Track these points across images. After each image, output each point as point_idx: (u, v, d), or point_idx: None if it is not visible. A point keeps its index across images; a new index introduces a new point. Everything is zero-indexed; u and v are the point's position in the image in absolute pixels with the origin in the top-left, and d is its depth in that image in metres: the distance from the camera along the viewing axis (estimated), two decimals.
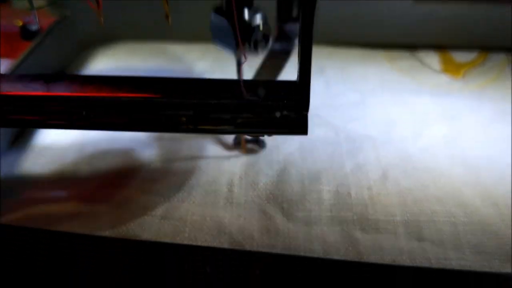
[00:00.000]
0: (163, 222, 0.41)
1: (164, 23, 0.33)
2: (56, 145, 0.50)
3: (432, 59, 0.64)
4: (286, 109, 0.35)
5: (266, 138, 0.49)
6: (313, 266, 0.33)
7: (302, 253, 0.39)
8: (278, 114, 0.35)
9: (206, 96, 0.36)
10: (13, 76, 0.40)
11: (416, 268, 0.36)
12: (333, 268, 0.33)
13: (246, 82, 0.38)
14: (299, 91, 0.36)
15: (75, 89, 0.37)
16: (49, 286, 0.34)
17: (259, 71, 0.47)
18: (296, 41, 0.42)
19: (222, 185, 0.45)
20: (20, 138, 0.51)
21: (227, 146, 0.50)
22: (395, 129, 0.52)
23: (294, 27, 0.50)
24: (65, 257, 0.35)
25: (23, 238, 0.35)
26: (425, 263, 0.39)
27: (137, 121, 0.37)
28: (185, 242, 0.40)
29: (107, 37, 0.66)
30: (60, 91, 0.37)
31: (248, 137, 0.48)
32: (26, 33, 0.51)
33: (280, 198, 0.44)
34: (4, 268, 0.33)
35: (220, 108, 0.36)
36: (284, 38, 0.49)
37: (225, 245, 0.40)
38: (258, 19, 0.38)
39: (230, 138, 0.50)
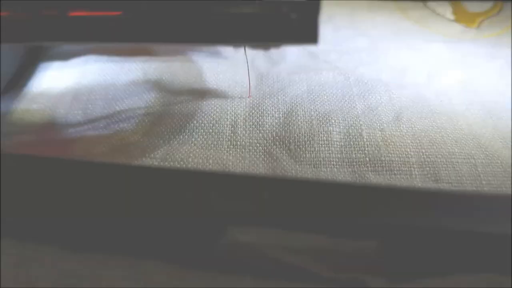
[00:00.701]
0: (163, 164, 0.38)
1: None
2: (50, 91, 0.47)
3: (446, 9, 0.61)
4: (294, 11, 0.32)
5: (272, 79, 0.46)
6: (321, 190, 0.30)
7: None
8: (285, 9, 0.32)
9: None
10: None
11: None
12: (343, 191, 0.30)
13: None
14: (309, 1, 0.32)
15: None
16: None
17: None
18: None
19: (225, 126, 0.42)
20: (13, 85, 0.48)
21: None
22: (408, 74, 0.49)
23: None
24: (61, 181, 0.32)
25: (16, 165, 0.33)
26: None
27: None
28: None
29: None
30: None
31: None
32: None
33: (287, 139, 0.41)
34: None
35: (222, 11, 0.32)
36: None
37: None
38: None
39: (233, 80, 0.47)
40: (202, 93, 0.45)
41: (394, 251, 0.29)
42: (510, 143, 0.41)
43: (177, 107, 0.44)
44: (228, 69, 0.49)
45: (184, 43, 0.40)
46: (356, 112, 0.43)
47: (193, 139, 0.41)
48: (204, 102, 0.44)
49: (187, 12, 0.34)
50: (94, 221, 0.30)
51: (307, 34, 0.34)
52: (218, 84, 0.47)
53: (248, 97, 0.44)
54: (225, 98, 0.45)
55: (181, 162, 0.39)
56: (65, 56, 0.51)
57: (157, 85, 0.47)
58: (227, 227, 0.29)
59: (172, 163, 0.39)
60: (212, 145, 0.40)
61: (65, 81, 0.49)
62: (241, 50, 0.45)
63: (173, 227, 0.30)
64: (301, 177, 0.37)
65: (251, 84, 0.46)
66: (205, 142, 0.41)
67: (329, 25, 0.57)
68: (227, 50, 0.51)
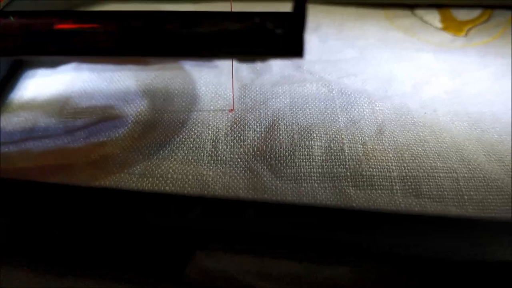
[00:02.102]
0: (141, 180, 0.38)
1: None
2: (34, 101, 0.47)
3: (434, 17, 0.61)
4: (280, 27, 0.32)
5: (254, 91, 0.46)
6: (294, 212, 0.29)
7: None
8: (270, 26, 0.32)
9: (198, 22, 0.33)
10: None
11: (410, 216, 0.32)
12: (315, 214, 0.30)
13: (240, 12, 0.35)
14: (295, 13, 0.32)
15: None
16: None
17: None
18: None
19: (207, 141, 0.42)
20: None
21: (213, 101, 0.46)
22: (393, 85, 0.48)
23: None
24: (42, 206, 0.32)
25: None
26: None
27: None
28: None
29: None
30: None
31: None
32: None
33: (268, 155, 0.41)
34: None
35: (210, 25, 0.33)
36: None
37: None
38: None
39: (216, 92, 0.47)
40: (185, 107, 0.45)
41: (368, 276, 0.28)
42: (493, 156, 0.40)
43: (159, 119, 0.44)
44: (212, 80, 0.49)
45: (171, 56, 0.40)
46: (338, 126, 0.42)
47: (173, 154, 0.41)
48: (186, 116, 0.44)
49: (175, 26, 0.33)
50: (64, 242, 0.30)
51: (293, 48, 0.34)
52: (201, 96, 0.47)
53: (230, 111, 0.43)
54: (208, 112, 0.44)
55: (160, 178, 0.39)
56: (52, 63, 0.51)
57: (141, 96, 0.46)
58: (196, 252, 0.29)
59: (151, 179, 0.38)
60: (193, 160, 0.40)
61: (49, 90, 0.49)
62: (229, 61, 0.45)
63: (143, 250, 0.29)
64: (273, 200, 0.36)
65: (234, 95, 0.45)
66: (185, 157, 0.40)
67: (316, 35, 0.57)
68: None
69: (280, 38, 0.33)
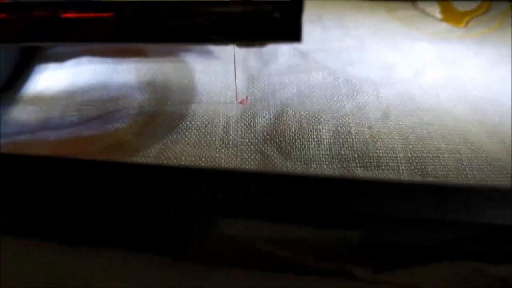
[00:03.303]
0: (156, 162, 0.39)
1: None
2: (45, 93, 0.48)
3: (434, 8, 0.62)
4: (277, 10, 0.33)
5: (262, 81, 0.47)
6: (305, 182, 0.31)
7: None
8: (267, 9, 0.33)
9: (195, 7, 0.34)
10: None
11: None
12: (327, 184, 0.31)
13: None
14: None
15: None
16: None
17: None
18: None
19: (218, 127, 0.43)
20: (9, 87, 0.49)
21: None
22: (395, 72, 0.50)
23: None
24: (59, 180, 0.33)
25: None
26: None
27: None
28: None
29: None
30: None
31: None
32: None
33: (278, 138, 0.42)
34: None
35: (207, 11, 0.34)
36: None
37: None
38: None
39: (225, 82, 0.48)
40: (195, 95, 0.46)
41: (378, 241, 0.30)
42: (496, 138, 0.41)
43: (169, 108, 0.45)
44: (220, 71, 0.50)
45: (172, 42, 0.41)
46: (344, 111, 0.44)
47: (186, 139, 0.42)
48: (197, 104, 0.45)
49: (175, 12, 0.34)
50: (85, 216, 0.31)
51: (291, 32, 0.35)
52: (210, 86, 0.48)
53: (242, 103, 0.45)
54: (217, 101, 0.45)
55: (174, 160, 0.40)
56: (60, 58, 0.52)
57: (150, 86, 0.48)
58: (214, 220, 0.30)
59: (165, 161, 0.40)
60: (205, 144, 0.41)
61: (60, 82, 0.50)
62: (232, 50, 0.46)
63: (162, 222, 0.31)
64: (285, 171, 0.37)
65: (242, 86, 0.47)
66: (197, 141, 0.41)
67: (318, 25, 0.58)
68: (219, 50, 0.52)
69: (278, 22, 0.33)
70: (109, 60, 0.51)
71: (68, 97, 0.48)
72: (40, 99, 0.48)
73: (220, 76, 0.49)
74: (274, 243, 0.29)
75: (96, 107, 0.46)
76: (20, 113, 0.46)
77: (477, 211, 0.29)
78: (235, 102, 0.46)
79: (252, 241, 0.29)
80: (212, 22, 0.34)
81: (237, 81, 0.48)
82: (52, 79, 0.50)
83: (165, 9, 0.35)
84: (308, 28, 0.55)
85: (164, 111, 0.45)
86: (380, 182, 0.32)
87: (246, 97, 0.46)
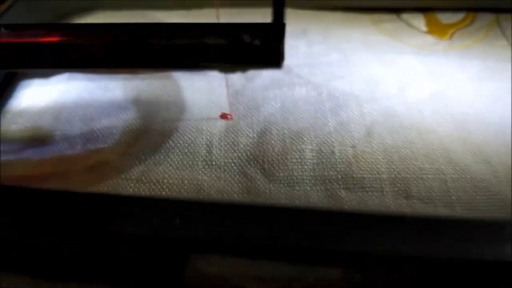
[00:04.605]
0: (138, 185, 0.39)
1: None
2: (29, 110, 0.48)
3: (419, 21, 0.61)
4: (258, 39, 0.34)
5: (246, 97, 0.47)
6: (285, 216, 0.30)
7: None
8: (247, 38, 0.33)
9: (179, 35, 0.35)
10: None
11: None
12: (314, 217, 0.31)
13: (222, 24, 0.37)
14: (273, 24, 0.34)
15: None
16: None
17: None
18: None
19: (201, 146, 0.43)
20: None
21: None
22: (379, 87, 0.50)
23: None
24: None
25: None
26: None
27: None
28: None
29: (84, 7, 0.63)
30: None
31: None
32: None
33: (261, 159, 0.42)
34: None
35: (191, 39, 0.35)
36: None
37: None
38: None
39: (209, 99, 0.48)
40: (179, 113, 0.46)
41: (359, 279, 0.29)
42: (480, 157, 0.41)
43: (154, 127, 0.45)
44: (205, 87, 0.49)
45: (155, 68, 0.41)
46: (328, 129, 0.44)
47: (169, 160, 0.41)
48: (181, 122, 0.44)
49: (161, 40, 0.35)
50: (60, 249, 0.30)
51: (271, 59, 0.35)
52: (195, 103, 0.48)
53: (227, 119, 0.44)
54: (201, 118, 0.45)
55: (156, 183, 0.39)
56: (46, 74, 0.51)
57: (135, 104, 0.47)
58: (193, 257, 0.29)
59: (147, 184, 0.39)
60: (188, 165, 0.41)
61: (45, 99, 0.49)
62: None
63: (137, 256, 0.30)
64: (264, 203, 0.37)
65: (226, 102, 0.46)
66: (180, 162, 0.41)
67: (303, 40, 0.57)
68: None
69: (258, 49, 0.33)
70: (95, 76, 0.51)
71: (52, 114, 0.47)
72: (24, 117, 0.48)
73: (204, 93, 0.48)
74: (253, 281, 0.29)
75: (80, 125, 0.45)
76: (3, 131, 0.45)
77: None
78: (220, 119, 0.45)
79: (228, 279, 0.29)
80: (194, 50, 0.35)
81: (221, 97, 0.47)
82: (36, 95, 0.50)
83: (150, 35, 0.36)
84: (293, 42, 0.56)
85: (148, 130, 0.44)
86: (358, 215, 0.32)
87: (230, 113, 0.45)
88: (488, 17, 0.62)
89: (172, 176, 0.40)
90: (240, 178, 0.40)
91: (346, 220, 0.31)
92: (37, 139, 0.44)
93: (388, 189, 0.39)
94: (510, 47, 0.56)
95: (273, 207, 0.33)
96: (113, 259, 0.31)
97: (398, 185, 0.39)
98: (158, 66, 0.38)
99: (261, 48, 0.35)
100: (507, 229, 0.30)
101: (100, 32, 0.37)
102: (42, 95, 0.50)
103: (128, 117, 0.45)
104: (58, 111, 0.47)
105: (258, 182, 0.39)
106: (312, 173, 0.40)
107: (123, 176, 0.40)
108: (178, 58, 0.36)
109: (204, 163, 0.41)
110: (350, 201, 0.38)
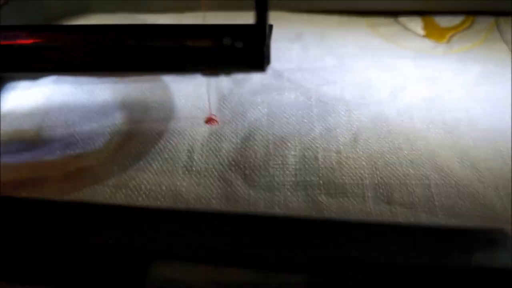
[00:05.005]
0: (115, 192, 0.39)
1: None
2: (14, 113, 0.48)
3: (416, 24, 0.60)
4: (240, 41, 0.34)
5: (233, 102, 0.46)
6: (248, 222, 0.30)
7: None
8: (228, 41, 0.33)
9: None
10: None
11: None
12: (293, 225, 0.30)
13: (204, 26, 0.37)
14: (256, 26, 0.33)
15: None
16: None
17: None
18: None
19: (182, 152, 0.42)
20: None
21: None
22: (371, 92, 0.49)
23: None
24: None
25: None
26: None
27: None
28: None
29: (75, 10, 0.63)
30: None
31: None
32: None
33: (243, 165, 0.41)
34: None
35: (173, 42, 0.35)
36: None
37: None
38: None
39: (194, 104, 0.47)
40: (163, 118, 0.45)
41: (320, 284, 0.29)
42: (467, 163, 0.40)
43: (136, 132, 0.44)
44: (191, 92, 0.49)
45: (136, 71, 0.41)
46: (313, 134, 0.43)
47: (148, 165, 0.41)
48: (163, 128, 0.44)
49: (140, 42, 0.35)
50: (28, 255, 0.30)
51: (254, 62, 0.34)
52: (179, 108, 0.48)
53: (213, 124, 0.44)
54: (185, 123, 0.44)
55: (134, 190, 0.39)
56: (33, 76, 0.51)
57: (119, 109, 0.47)
58: (154, 263, 0.29)
59: (124, 191, 0.39)
60: (167, 171, 0.40)
61: (29, 102, 0.49)
62: None
63: (100, 264, 0.30)
64: (229, 210, 0.36)
65: (212, 106, 0.46)
66: (160, 168, 0.41)
67: (298, 43, 0.57)
68: None
69: (241, 52, 0.33)
70: (81, 79, 0.50)
71: (34, 118, 0.48)
72: (5, 120, 0.47)
73: (190, 98, 0.48)
74: (216, 286, 0.28)
75: (61, 131, 0.45)
76: None
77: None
78: (204, 123, 0.44)
79: (192, 285, 0.28)
80: (175, 51, 0.35)
81: (208, 101, 0.46)
82: (21, 98, 0.50)
83: (130, 38, 0.36)
84: (287, 46, 0.55)
85: (130, 136, 0.44)
86: (322, 221, 0.31)
87: (215, 118, 0.44)
88: (488, 20, 0.60)
89: (150, 182, 0.39)
90: (220, 184, 0.40)
91: (310, 227, 0.30)
92: (17, 143, 0.43)
93: (370, 195, 0.38)
94: (509, 51, 0.55)
95: (236, 215, 0.33)
96: (76, 266, 0.30)
97: (381, 190, 0.38)
98: (138, 69, 0.38)
99: (243, 51, 0.34)
100: (481, 237, 0.29)
101: (76, 34, 0.36)
102: (26, 98, 0.49)
103: (110, 122, 0.45)
104: (41, 115, 0.47)
105: (238, 188, 0.39)
106: (293, 179, 0.40)
107: (100, 183, 0.39)
108: (158, 60, 0.36)
109: (184, 169, 0.41)
110: (330, 206, 0.38)
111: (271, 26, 0.35)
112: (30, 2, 0.57)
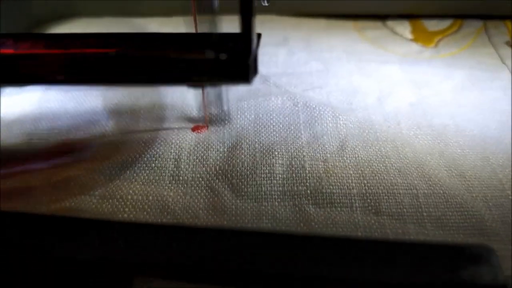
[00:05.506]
0: (101, 202, 0.39)
1: None
2: (4, 119, 0.47)
3: (404, 28, 0.60)
4: (225, 52, 0.34)
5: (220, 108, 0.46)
6: (228, 239, 0.30)
7: None
8: (210, 54, 0.33)
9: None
10: None
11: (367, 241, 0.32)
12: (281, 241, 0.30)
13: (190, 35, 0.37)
14: (241, 36, 0.33)
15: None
16: None
17: None
18: None
19: (169, 161, 0.41)
20: None
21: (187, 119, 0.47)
22: (357, 97, 0.49)
23: None
24: None
25: None
26: None
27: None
28: None
29: (61, 13, 0.62)
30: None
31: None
32: None
33: (230, 174, 0.40)
34: None
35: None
36: None
37: None
38: None
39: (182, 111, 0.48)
40: (149, 126, 0.45)
41: None
42: (455, 171, 0.40)
43: (122, 141, 0.44)
44: (178, 99, 0.48)
45: (118, 83, 0.41)
46: (300, 142, 0.43)
47: (135, 175, 0.40)
48: (150, 136, 0.43)
49: (129, 55, 0.35)
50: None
51: (239, 74, 0.34)
52: (166, 116, 0.48)
53: (200, 132, 0.44)
54: (172, 131, 0.44)
55: (120, 200, 0.39)
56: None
57: (107, 117, 0.46)
58: (135, 279, 0.29)
59: (111, 201, 0.38)
60: (154, 181, 0.40)
61: (15, 110, 0.49)
62: None
63: (81, 279, 0.30)
64: (208, 226, 0.36)
65: (199, 113, 0.46)
66: (147, 178, 0.40)
67: (284, 47, 0.57)
68: None
69: (225, 64, 0.32)
70: (70, 87, 0.50)
71: (20, 126, 0.47)
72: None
73: (178, 106, 0.47)
74: None
75: (47, 139, 0.44)
76: None
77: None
78: (191, 131, 0.44)
79: None
80: (158, 63, 0.35)
81: (193, 108, 0.46)
82: (6, 106, 0.49)
83: (112, 47, 0.36)
84: (273, 50, 0.54)
85: (116, 144, 0.43)
86: (304, 237, 0.31)
87: (204, 126, 0.44)
88: (476, 24, 0.61)
89: (137, 192, 0.39)
90: (207, 194, 0.39)
91: (292, 242, 0.30)
92: (2, 151, 0.43)
93: (357, 205, 0.38)
94: (497, 55, 0.55)
95: (218, 230, 0.33)
96: (56, 281, 0.30)
97: (368, 200, 0.38)
98: (120, 81, 0.37)
99: (228, 63, 0.34)
100: (464, 253, 0.29)
101: (58, 44, 0.36)
102: (12, 106, 0.48)
103: (98, 130, 0.44)
104: (27, 123, 0.46)
105: (225, 198, 0.38)
106: (281, 188, 0.39)
107: (86, 193, 0.38)
108: (143, 72, 0.36)
109: (171, 178, 0.40)
110: (317, 217, 0.37)
111: (259, 35, 0.35)
112: (16, 6, 0.56)
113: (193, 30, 0.39)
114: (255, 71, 0.34)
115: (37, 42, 0.37)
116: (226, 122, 0.46)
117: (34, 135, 0.46)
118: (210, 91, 0.45)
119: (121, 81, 0.37)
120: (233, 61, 0.34)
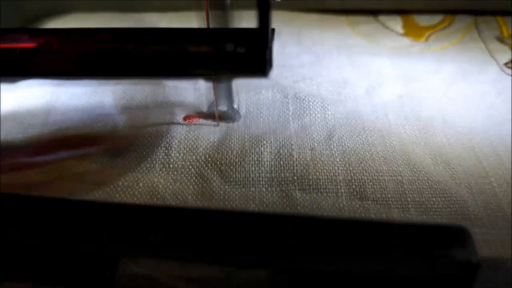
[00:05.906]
0: (93, 188, 0.39)
1: None
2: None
3: (396, 23, 0.61)
4: (242, 46, 0.34)
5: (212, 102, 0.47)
6: (214, 218, 0.30)
7: None
8: (230, 47, 0.34)
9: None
10: None
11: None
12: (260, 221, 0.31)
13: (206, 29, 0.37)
14: (259, 29, 0.34)
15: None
16: None
17: None
18: None
19: (159, 148, 0.42)
20: None
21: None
22: (347, 89, 0.49)
23: None
24: None
25: None
26: None
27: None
28: None
29: (59, 9, 0.63)
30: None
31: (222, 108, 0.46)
32: None
33: (219, 161, 0.41)
34: None
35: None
36: None
37: None
38: None
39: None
40: (142, 116, 0.46)
41: (286, 279, 0.29)
42: (440, 159, 0.41)
43: (115, 131, 0.45)
44: (172, 90, 0.49)
45: (138, 77, 0.41)
46: (289, 132, 0.44)
47: (126, 162, 0.41)
48: (143, 125, 0.44)
49: (140, 47, 0.35)
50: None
51: (256, 67, 0.35)
52: (162, 107, 0.48)
53: (191, 122, 0.45)
54: (164, 122, 0.45)
55: (112, 187, 0.39)
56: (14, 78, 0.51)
57: (106, 109, 0.47)
58: (122, 258, 0.29)
59: (102, 187, 0.39)
60: (144, 168, 0.41)
61: (11, 104, 0.50)
62: None
63: (67, 258, 0.30)
64: (194, 206, 0.37)
65: (193, 105, 0.47)
66: (137, 165, 0.41)
67: (276, 41, 0.56)
68: None
69: (243, 57, 0.33)
70: (63, 81, 0.51)
71: (15, 120, 0.48)
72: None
73: (171, 98, 0.48)
74: (182, 281, 0.29)
75: (39, 132, 0.45)
76: None
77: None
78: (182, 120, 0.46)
79: (158, 280, 0.29)
80: (176, 57, 0.35)
81: (187, 100, 0.47)
82: (3, 100, 0.50)
83: (129, 42, 0.36)
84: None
85: (108, 134, 0.44)
86: (285, 217, 0.32)
87: (196, 116, 0.45)
88: (467, 19, 0.61)
89: (127, 178, 0.40)
90: (196, 180, 0.40)
91: (276, 223, 0.30)
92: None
93: (343, 191, 0.39)
94: (486, 50, 0.55)
95: (203, 210, 0.33)
96: (44, 262, 0.31)
97: (354, 186, 0.39)
98: (139, 75, 0.38)
99: (245, 56, 0.35)
100: (440, 234, 0.29)
101: (71, 38, 0.37)
102: (8, 100, 0.50)
103: (90, 122, 0.45)
104: (19, 118, 0.47)
105: (214, 184, 0.39)
106: (268, 175, 0.40)
107: (77, 180, 0.39)
108: (159, 65, 0.36)
109: (161, 165, 0.41)
110: (303, 201, 0.38)
111: (273, 30, 0.36)
112: (12, 2, 0.56)
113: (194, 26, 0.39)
114: (270, 64, 0.35)
115: (51, 36, 0.37)
116: (236, 118, 0.47)
117: (28, 129, 0.46)
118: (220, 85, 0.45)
119: (140, 74, 0.38)
120: (250, 55, 0.35)
